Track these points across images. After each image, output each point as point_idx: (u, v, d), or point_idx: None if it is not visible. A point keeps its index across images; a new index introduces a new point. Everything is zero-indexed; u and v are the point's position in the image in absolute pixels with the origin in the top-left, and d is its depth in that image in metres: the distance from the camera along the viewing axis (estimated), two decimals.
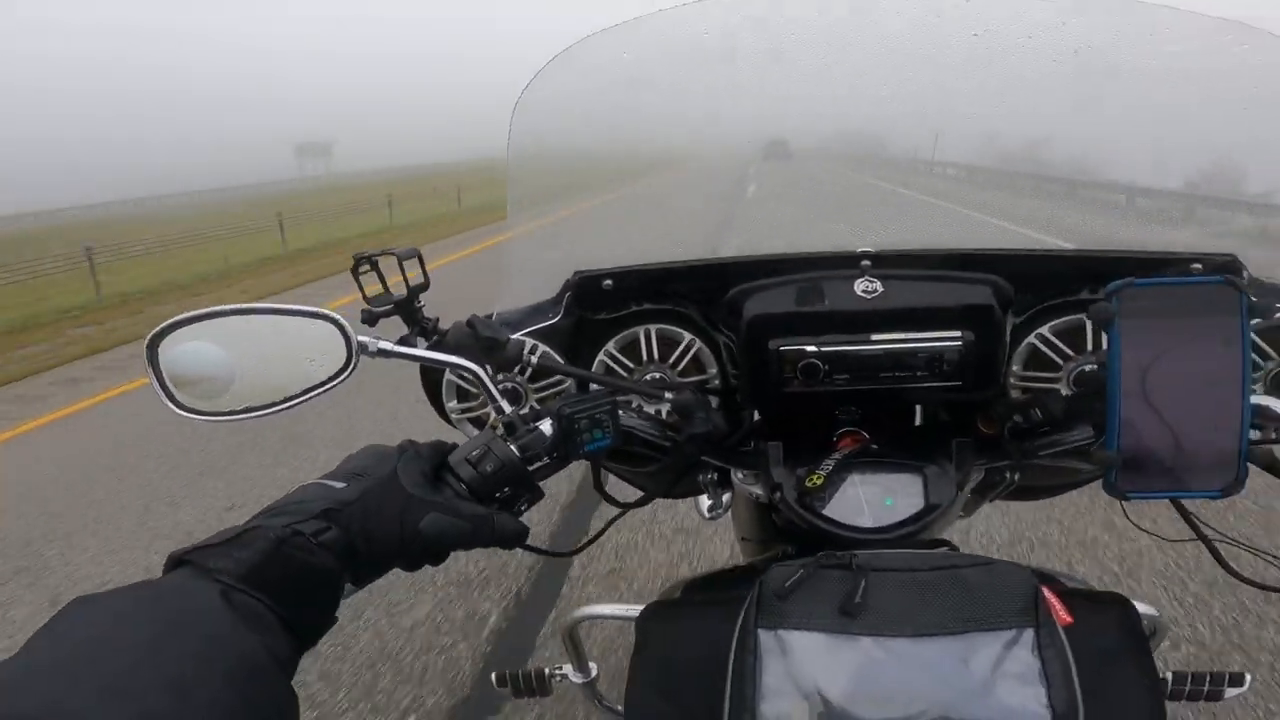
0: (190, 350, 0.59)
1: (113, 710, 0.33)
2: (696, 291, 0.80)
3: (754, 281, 0.76)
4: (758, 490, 0.76)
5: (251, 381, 0.59)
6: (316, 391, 0.59)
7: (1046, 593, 0.52)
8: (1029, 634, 0.49)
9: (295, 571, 0.46)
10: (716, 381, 0.82)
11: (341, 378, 0.59)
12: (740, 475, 0.79)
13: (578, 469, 0.69)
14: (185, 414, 0.59)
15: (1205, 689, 0.92)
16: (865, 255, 0.75)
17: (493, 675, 1.03)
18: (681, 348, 0.81)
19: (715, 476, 0.87)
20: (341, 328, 0.58)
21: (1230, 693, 0.93)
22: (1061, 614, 0.51)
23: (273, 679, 0.40)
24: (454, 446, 0.60)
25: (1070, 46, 0.72)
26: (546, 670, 1.01)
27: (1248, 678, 0.92)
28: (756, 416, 0.83)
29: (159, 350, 0.57)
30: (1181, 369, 0.53)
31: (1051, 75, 0.74)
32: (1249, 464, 0.54)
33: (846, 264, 0.75)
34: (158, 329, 0.57)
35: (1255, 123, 0.71)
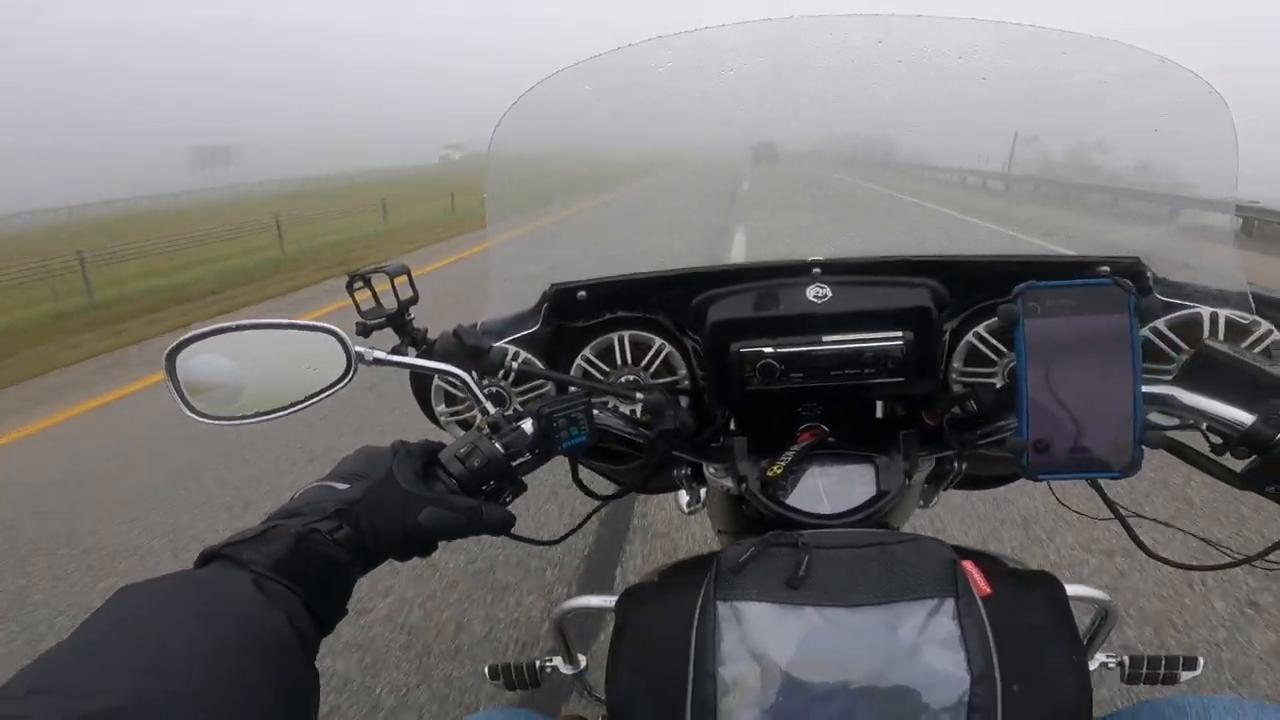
0: (205, 362, 0.65)
1: (153, 685, 0.38)
2: (665, 300, 0.86)
3: (716, 289, 0.83)
4: (728, 483, 0.82)
5: (260, 389, 0.65)
6: (319, 397, 0.66)
7: (968, 566, 0.58)
8: (949, 603, 0.54)
9: (316, 564, 0.51)
10: (686, 383, 0.88)
11: (341, 385, 0.66)
12: (712, 470, 0.85)
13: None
14: (200, 419, 0.65)
15: (1161, 673, 0.98)
16: (816, 264, 0.82)
17: (485, 668, 1.08)
18: (653, 352, 0.87)
19: (689, 472, 0.94)
20: (341, 340, 0.65)
21: (1184, 676, 0.98)
22: (981, 585, 0.56)
23: (298, 657, 0.45)
24: (441, 446, 0.66)
25: (987, 68, 0.79)
26: (537, 662, 1.06)
27: (1200, 661, 0.97)
28: (727, 415, 0.90)
29: (176, 361, 0.64)
30: (1081, 362, 0.59)
31: (967, 93, 0.82)
32: (1146, 447, 0.60)
33: (800, 272, 0.82)
34: (176, 343, 0.64)
35: (1157, 137, 0.78)
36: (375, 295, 0.75)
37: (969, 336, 0.81)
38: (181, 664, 0.39)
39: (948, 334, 0.82)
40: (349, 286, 0.72)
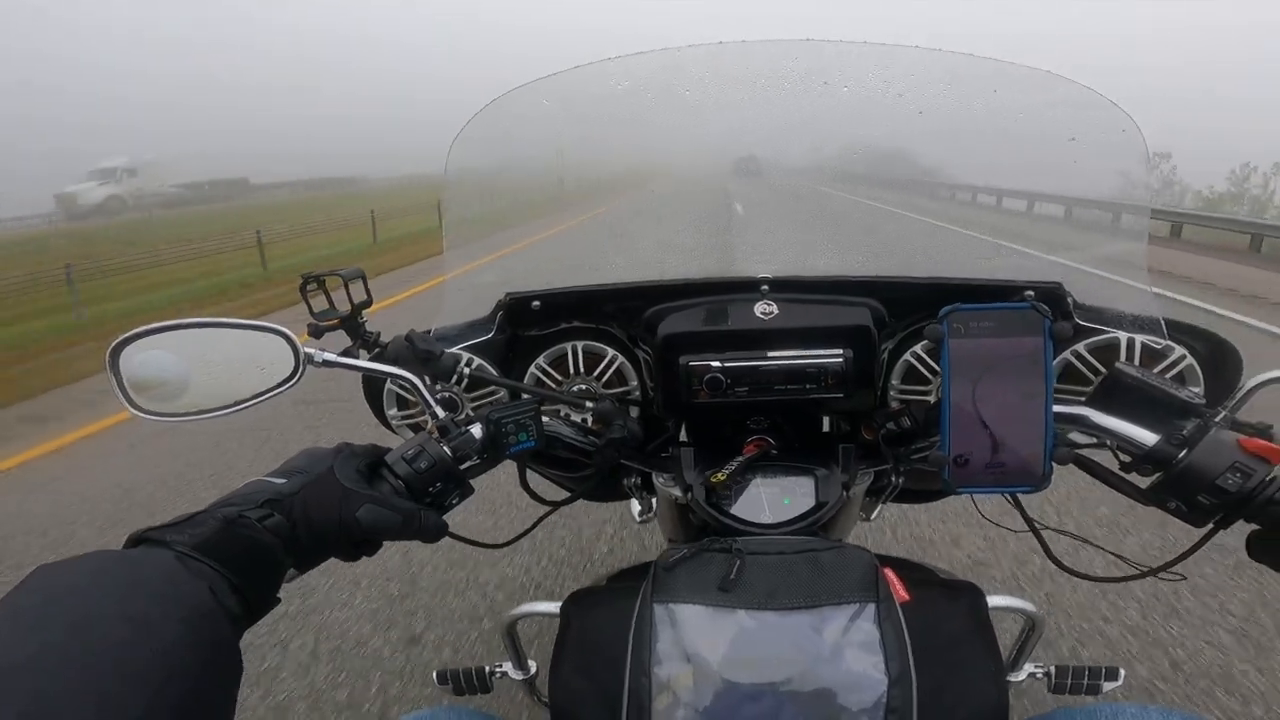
0: (150, 358, 0.65)
1: (78, 645, 0.38)
2: (618, 312, 0.88)
3: (668, 303, 0.85)
4: (676, 492, 0.84)
5: (205, 387, 0.65)
6: (265, 396, 0.66)
7: (888, 573, 0.60)
8: (871, 608, 0.56)
9: (243, 546, 0.52)
10: (637, 393, 0.90)
11: (289, 385, 0.66)
12: (661, 479, 0.87)
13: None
14: (142, 414, 0.65)
15: (1085, 683, 1.02)
16: (765, 281, 0.85)
17: (434, 673, 1.08)
18: (605, 362, 0.89)
19: (639, 480, 0.96)
20: (290, 340, 0.65)
21: (1106, 686, 1.03)
22: (900, 592, 0.59)
23: (222, 630, 0.46)
24: (388, 450, 0.67)
25: (922, 94, 0.84)
26: (487, 668, 1.06)
27: (1122, 672, 1.02)
28: (678, 426, 0.92)
29: (120, 357, 0.64)
30: (1000, 382, 0.63)
31: (902, 116, 0.87)
32: (1057, 463, 0.64)
33: (749, 288, 0.85)
34: (120, 339, 0.64)
35: (1078, 163, 0.84)
36: (329, 298, 0.75)
37: (906, 355, 0.84)
38: (106, 622, 0.40)
39: (886, 352, 0.86)
40: (302, 288, 0.72)
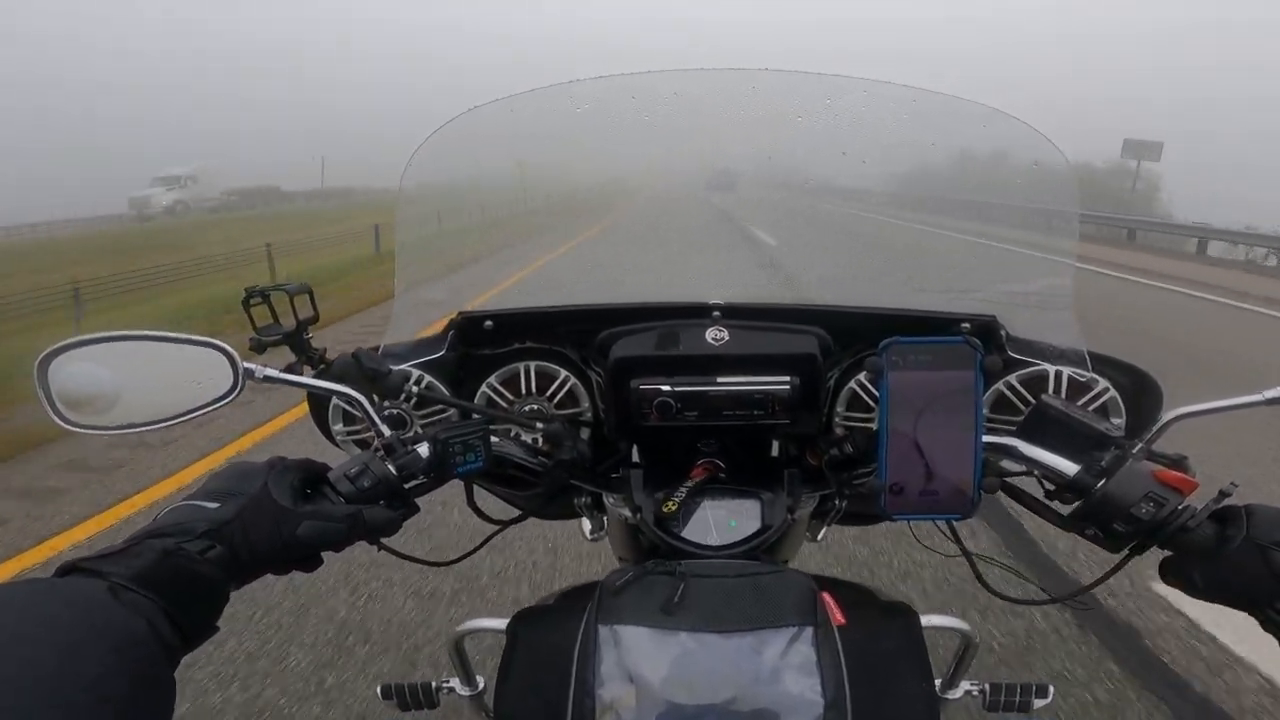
0: (80, 370, 0.63)
1: (2, 665, 0.37)
2: (571, 333, 0.89)
3: (621, 326, 0.86)
4: (626, 512, 0.84)
5: (137, 400, 0.63)
6: (199, 412, 0.64)
7: (826, 597, 0.62)
8: (809, 631, 0.58)
9: (183, 579, 0.50)
10: (588, 415, 0.91)
11: (225, 400, 0.65)
12: (611, 499, 0.87)
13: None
14: (69, 427, 0.63)
15: (1017, 699, 1.05)
16: (716, 307, 0.86)
17: (378, 688, 1.06)
18: (557, 383, 0.89)
19: (590, 500, 0.96)
20: (229, 355, 0.64)
21: (1037, 704, 1.06)
22: (837, 615, 0.60)
23: (155, 660, 0.45)
24: (324, 466, 0.66)
25: (870, 124, 0.88)
26: (434, 683, 1.04)
27: (1051, 689, 1.06)
28: (629, 447, 0.92)
29: (50, 369, 0.62)
30: (934, 413, 0.65)
31: (849, 143, 0.91)
32: (985, 492, 0.66)
33: (700, 314, 0.86)
34: (48, 350, 0.61)
35: (1010, 196, 0.88)
36: (274, 312, 0.74)
37: (850, 384, 0.87)
38: (28, 653, 0.38)
39: (832, 380, 0.88)
40: (245, 303, 0.71)
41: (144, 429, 0.64)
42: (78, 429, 0.63)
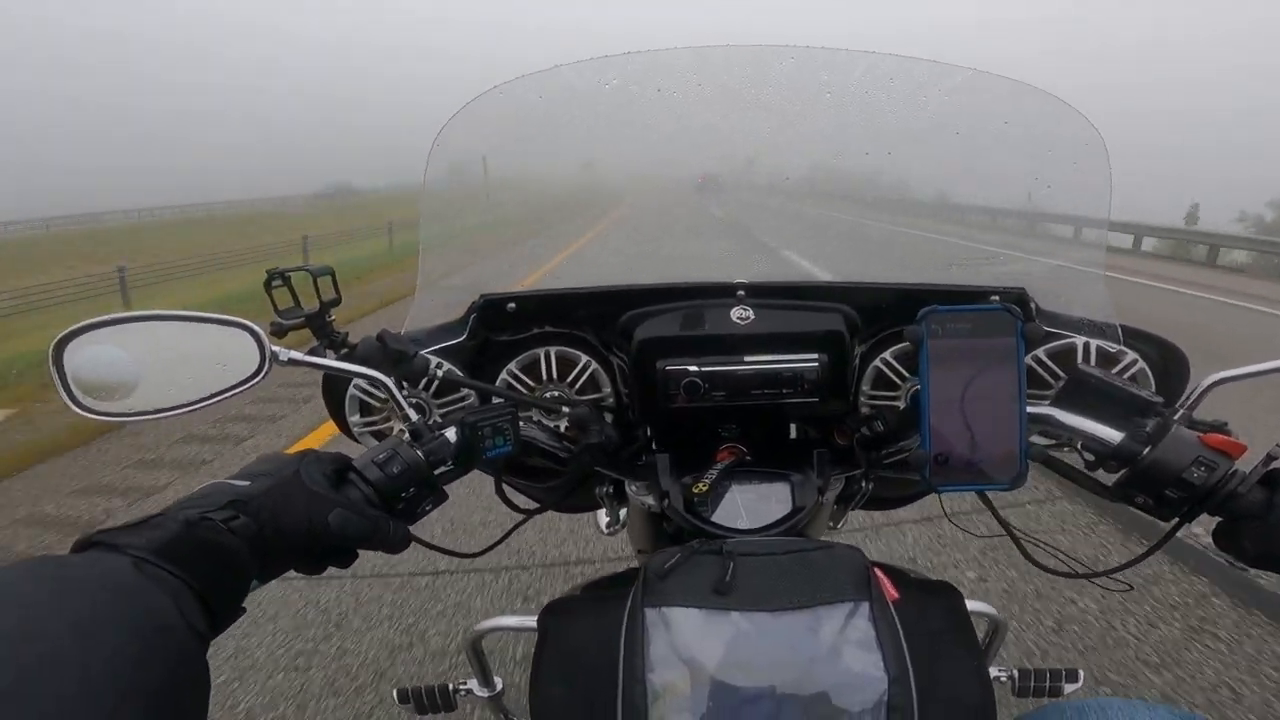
0: (95, 354, 0.60)
1: (16, 652, 0.34)
2: (593, 316, 0.87)
3: (644, 308, 0.85)
4: (650, 500, 0.83)
5: (158, 384, 0.61)
6: (225, 395, 0.62)
7: (878, 572, 0.60)
8: (865, 606, 0.56)
9: (207, 551, 0.47)
10: (610, 400, 0.89)
11: (253, 382, 0.62)
12: (634, 487, 0.86)
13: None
14: (86, 414, 0.60)
15: (1047, 685, 1.04)
16: (741, 286, 0.85)
17: (394, 690, 1.03)
18: (579, 368, 0.87)
19: (611, 490, 0.94)
20: (256, 335, 0.62)
21: (1067, 688, 1.06)
22: (890, 590, 0.59)
23: (187, 643, 0.41)
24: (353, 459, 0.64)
25: (898, 100, 0.87)
26: (450, 685, 1.02)
27: (1081, 674, 1.05)
28: (649, 434, 0.91)
29: (65, 352, 0.59)
30: (976, 382, 0.64)
31: (882, 124, 0.89)
32: (1030, 461, 0.66)
33: (725, 293, 0.85)
34: (65, 332, 0.59)
35: (1043, 171, 0.87)
36: (295, 295, 0.72)
37: (876, 361, 0.86)
38: (47, 630, 0.35)
39: (858, 358, 0.87)
40: (267, 285, 0.69)
41: (167, 414, 0.61)
42: (95, 416, 0.61)
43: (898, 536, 2.68)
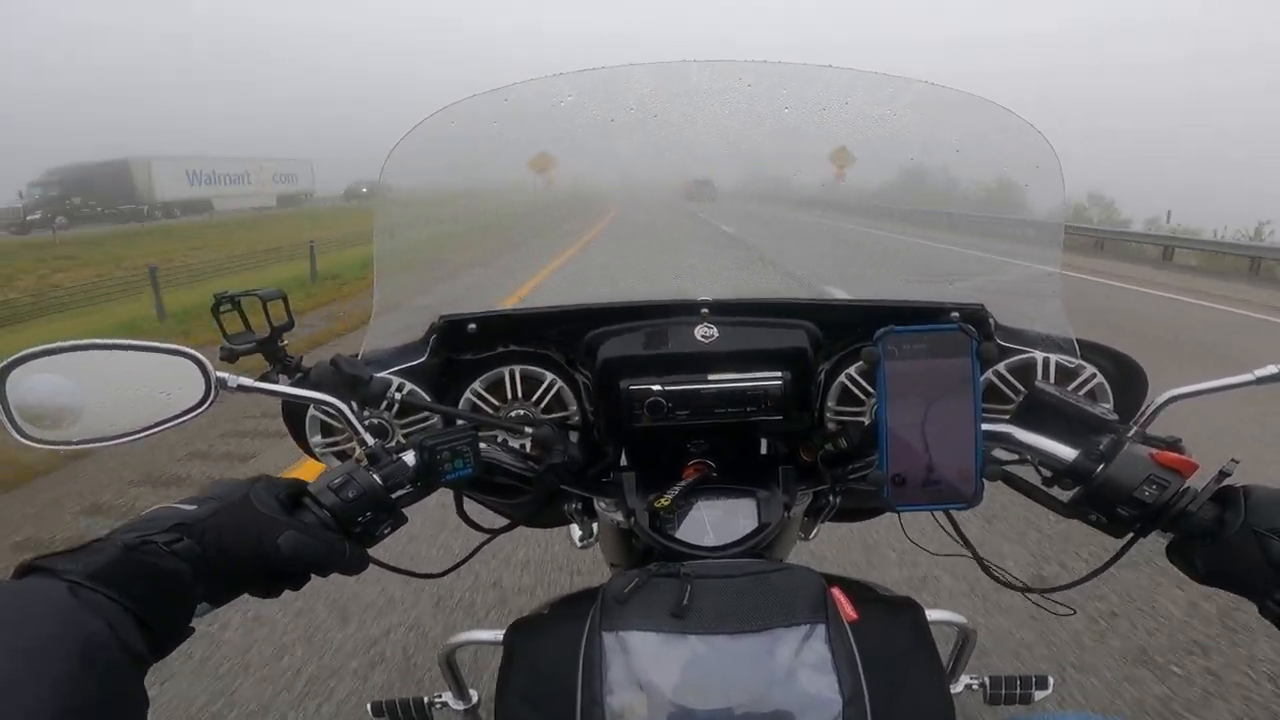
0: (41, 381, 0.60)
1: None
2: (557, 335, 0.87)
3: (608, 326, 0.84)
4: (618, 517, 0.83)
5: (102, 412, 0.60)
6: (169, 424, 0.61)
7: (836, 593, 0.61)
8: (821, 628, 0.56)
9: (145, 574, 0.48)
10: (576, 418, 0.89)
11: (197, 411, 0.62)
12: (602, 504, 0.85)
13: None
14: (30, 443, 0.60)
15: (1018, 692, 1.05)
16: (704, 304, 0.85)
17: (369, 705, 1.03)
18: (544, 387, 0.87)
19: (580, 506, 0.94)
20: (200, 364, 0.61)
21: (1038, 695, 1.06)
22: (848, 611, 0.59)
23: (122, 665, 0.42)
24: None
25: (853, 114, 0.87)
26: (426, 699, 1.02)
27: (1050, 680, 1.05)
28: (617, 450, 0.90)
29: (8, 381, 0.58)
30: (933, 401, 0.64)
31: (837, 135, 0.90)
32: (986, 480, 0.65)
33: (689, 311, 0.85)
34: (8, 360, 0.58)
35: (1000, 184, 0.88)
36: (245, 320, 0.71)
37: (841, 377, 0.86)
38: None
39: (823, 374, 0.87)
40: (215, 310, 0.68)
41: (110, 443, 0.61)
42: (38, 444, 0.60)
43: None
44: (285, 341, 0.73)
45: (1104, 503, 0.62)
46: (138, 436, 0.61)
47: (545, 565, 2.54)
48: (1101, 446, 0.63)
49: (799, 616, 0.57)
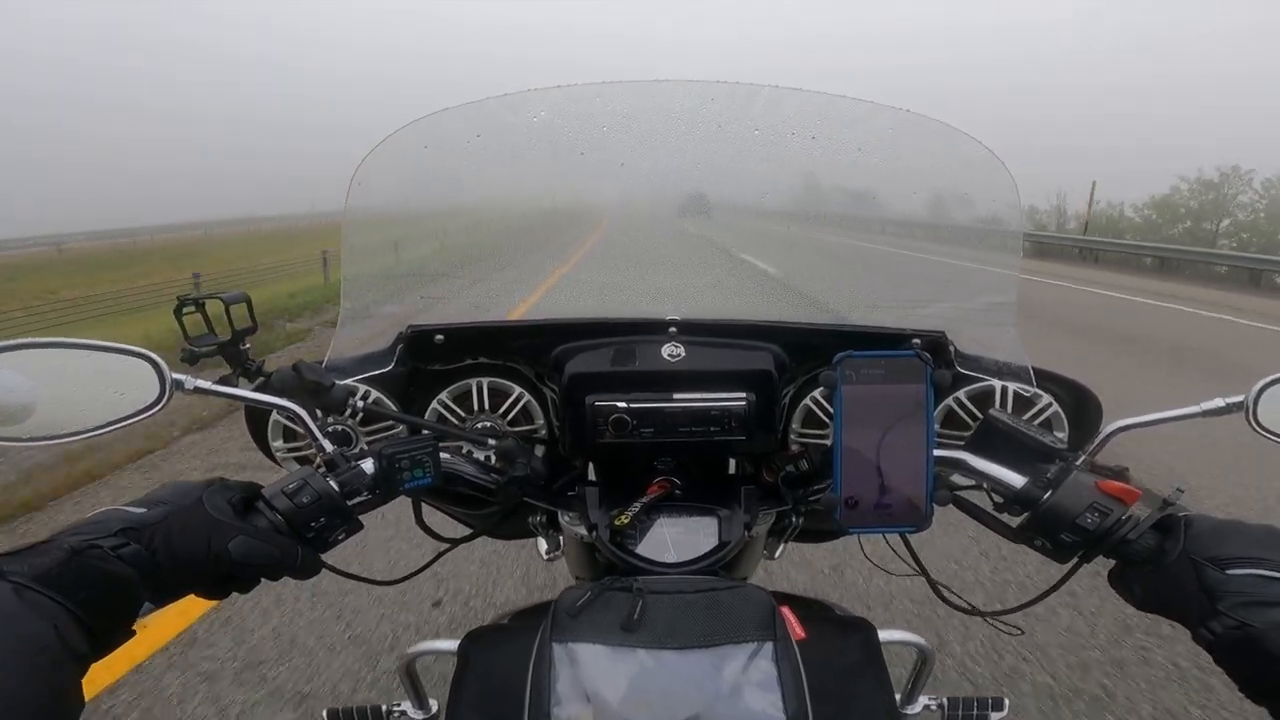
0: None
1: None
2: (525, 349, 0.87)
3: (576, 342, 0.85)
4: (581, 530, 0.83)
5: (54, 410, 0.60)
6: (121, 423, 0.61)
7: (786, 612, 0.61)
8: (768, 646, 0.57)
9: (91, 577, 0.48)
10: (543, 432, 0.89)
11: (150, 412, 0.62)
12: (566, 517, 0.85)
13: None
14: None
15: (975, 714, 1.05)
16: (673, 323, 0.86)
17: (324, 712, 1.01)
18: (511, 400, 0.87)
19: (545, 519, 0.94)
20: (155, 364, 0.61)
21: (994, 716, 1.07)
22: (797, 630, 0.60)
23: (63, 666, 0.43)
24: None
25: (821, 134, 0.89)
26: (384, 707, 1.00)
27: (1006, 702, 1.06)
28: (584, 464, 0.90)
29: None
30: (888, 427, 0.65)
31: (803, 157, 0.91)
32: (937, 505, 0.67)
33: (657, 330, 0.85)
34: None
35: (959, 212, 0.90)
36: (209, 322, 0.71)
37: (806, 400, 0.87)
38: None
39: (788, 397, 0.88)
40: (177, 311, 0.68)
41: (60, 441, 0.60)
42: None
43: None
44: (248, 345, 0.73)
45: (1048, 529, 0.63)
46: (89, 435, 0.60)
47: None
48: (1049, 474, 0.65)
49: (747, 634, 0.58)
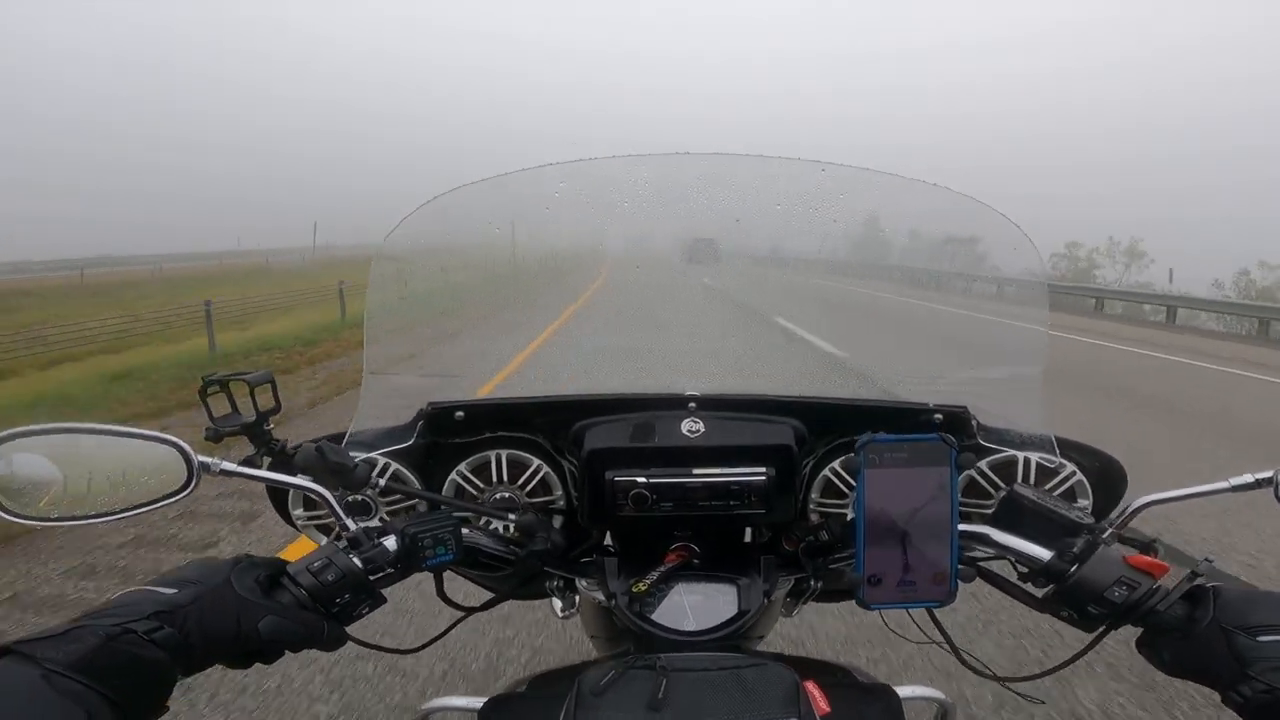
0: (23, 460, 0.61)
1: None
2: (544, 423, 0.87)
3: (595, 417, 0.85)
4: (599, 597, 0.82)
5: (83, 493, 0.61)
6: (150, 507, 0.62)
7: (809, 687, 0.61)
8: None
9: (126, 663, 0.48)
10: (561, 503, 0.89)
11: (180, 495, 0.63)
12: (584, 584, 0.85)
13: None
14: (7, 516, 0.60)
15: None
16: (692, 399, 0.86)
17: None
18: (530, 471, 0.87)
19: (561, 583, 0.93)
20: (183, 451, 0.62)
21: None
22: (821, 705, 0.60)
23: None
24: (292, 562, 0.63)
25: (842, 209, 0.90)
26: None
27: None
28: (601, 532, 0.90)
29: None
30: (910, 505, 0.66)
31: (822, 228, 0.92)
32: (962, 581, 0.67)
33: (676, 405, 0.85)
34: None
35: (982, 284, 0.90)
36: (233, 402, 0.72)
37: (825, 471, 0.86)
38: None
39: (807, 468, 0.87)
40: (202, 392, 0.69)
41: (89, 522, 0.61)
42: (18, 519, 0.61)
43: None
44: (270, 425, 0.74)
45: (1075, 601, 0.63)
46: (118, 518, 0.62)
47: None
48: (1076, 549, 0.65)
49: (772, 712, 0.58)
